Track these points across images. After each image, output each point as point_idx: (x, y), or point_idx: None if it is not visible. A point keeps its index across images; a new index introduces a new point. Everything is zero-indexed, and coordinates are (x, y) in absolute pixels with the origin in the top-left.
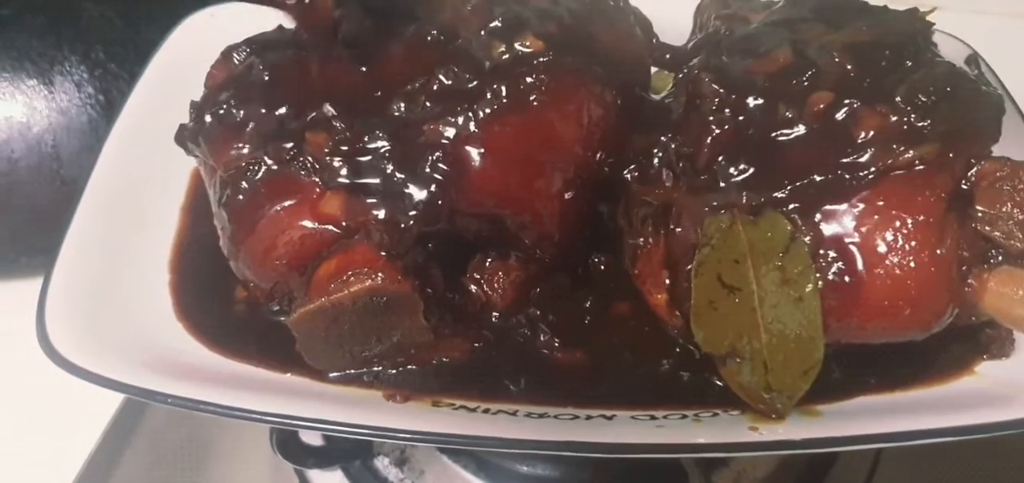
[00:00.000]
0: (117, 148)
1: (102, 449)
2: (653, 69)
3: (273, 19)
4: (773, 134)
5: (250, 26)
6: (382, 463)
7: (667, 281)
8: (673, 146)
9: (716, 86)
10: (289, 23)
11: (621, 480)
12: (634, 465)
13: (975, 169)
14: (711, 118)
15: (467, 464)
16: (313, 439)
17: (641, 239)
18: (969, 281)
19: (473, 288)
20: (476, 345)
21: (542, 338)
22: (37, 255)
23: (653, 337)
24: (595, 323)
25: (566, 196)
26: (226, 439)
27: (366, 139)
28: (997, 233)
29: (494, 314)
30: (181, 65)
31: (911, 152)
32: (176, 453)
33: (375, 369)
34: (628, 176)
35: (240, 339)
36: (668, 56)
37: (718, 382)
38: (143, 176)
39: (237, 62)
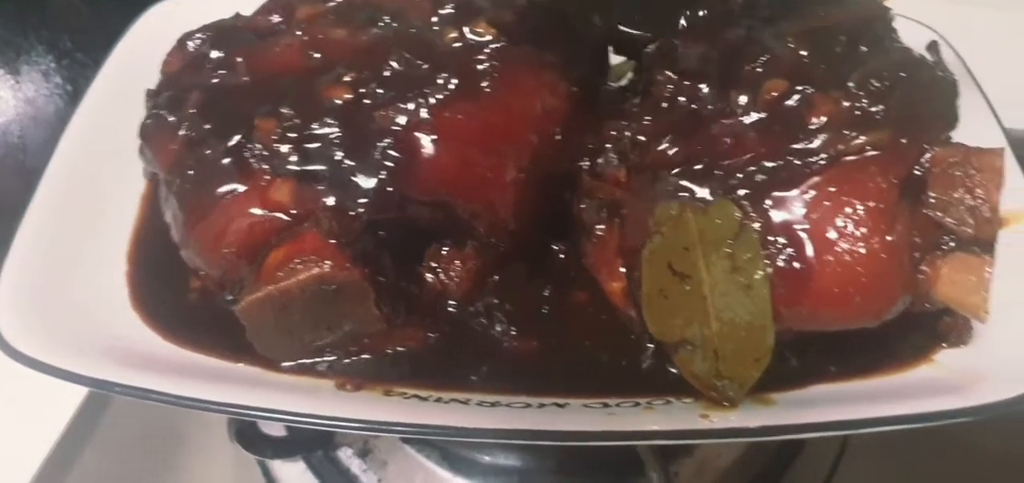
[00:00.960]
0: (78, 137)
1: (65, 442)
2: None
3: (236, 7)
4: (726, 120)
5: (214, 13)
6: (345, 454)
7: (622, 269)
8: (628, 134)
9: (669, 73)
10: (247, 10)
11: (583, 470)
12: (594, 455)
13: (929, 155)
14: (664, 105)
15: (430, 454)
16: (273, 429)
17: (595, 227)
18: (922, 268)
19: (428, 276)
20: (431, 334)
21: (498, 327)
22: (3, 246)
23: (609, 326)
24: (552, 312)
25: (521, 184)
26: (193, 431)
27: (316, 126)
28: (949, 220)
29: (450, 303)
30: (144, 53)
31: (863, 138)
32: (141, 445)
33: (328, 358)
34: (583, 166)
35: (194, 328)
36: (627, 42)
37: (672, 370)
38: (104, 165)
39: (192, 49)
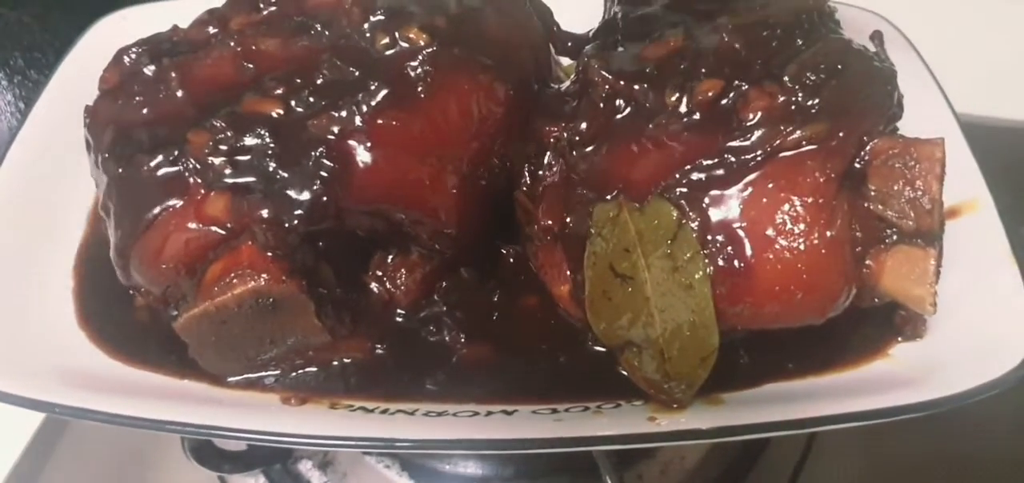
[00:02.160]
0: (23, 153)
1: (24, 462)
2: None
3: (182, 21)
4: (662, 120)
5: (162, 27)
6: (305, 466)
7: (568, 272)
8: (565, 136)
9: (605, 73)
10: (184, 23)
11: (541, 475)
12: (551, 460)
13: (868, 147)
14: (601, 106)
15: (391, 465)
16: (230, 445)
17: (539, 231)
18: (866, 262)
19: (374, 286)
20: (378, 344)
21: (448, 334)
22: None
23: (559, 330)
24: (502, 317)
25: (461, 189)
26: (153, 447)
27: (248, 138)
28: (890, 212)
29: (398, 311)
30: (92, 68)
31: (798, 132)
32: (103, 463)
33: (274, 372)
34: (524, 169)
35: (140, 345)
36: (569, 43)
37: (623, 372)
38: (51, 181)
39: (128, 64)
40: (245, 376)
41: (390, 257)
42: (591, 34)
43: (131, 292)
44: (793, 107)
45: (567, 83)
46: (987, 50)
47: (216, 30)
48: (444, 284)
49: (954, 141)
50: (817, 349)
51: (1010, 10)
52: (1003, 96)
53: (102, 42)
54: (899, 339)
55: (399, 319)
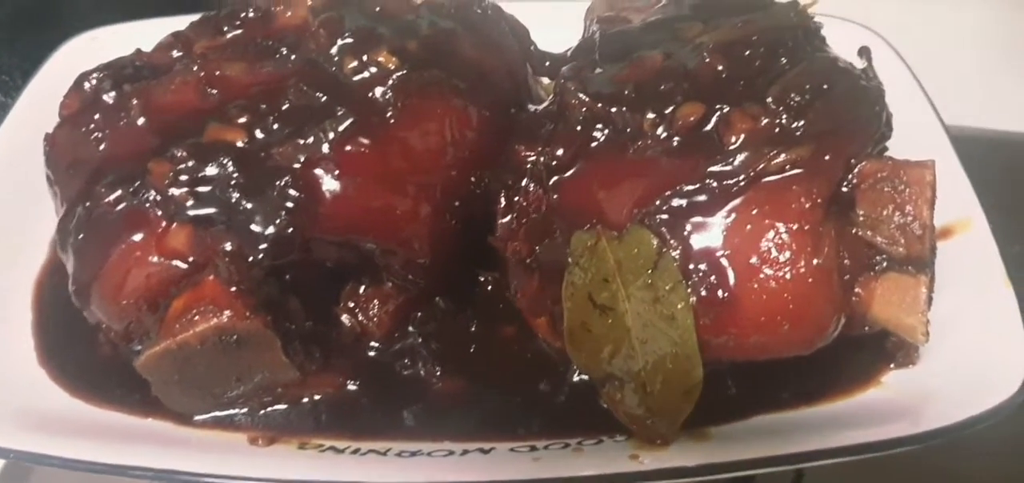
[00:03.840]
0: None
1: None
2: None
3: (151, 42)
4: (641, 144)
5: (130, 48)
6: None
7: (547, 302)
8: (542, 160)
9: (582, 96)
10: (148, 47)
11: None
12: None
13: (856, 169)
14: (579, 129)
15: None
16: None
17: (517, 260)
18: (856, 290)
19: (346, 318)
20: (350, 380)
21: (423, 368)
22: None
23: (539, 360)
24: (480, 348)
25: (434, 218)
26: None
27: (211, 168)
28: (879, 238)
29: (371, 344)
30: (60, 90)
31: (783, 156)
32: None
33: (241, 410)
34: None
35: (102, 383)
36: (547, 63)
37: (604, 406)
38: (15, 208)
39: (89, 90)
40: (212, 414)
41: (362, 288)
42: (569, 54)
43: (97, 328)
44: (777, 130)
45: (546, 103)
46: (978, 60)
47: (181, 53)
48: (419, 314)
49: (946, 159)
50: (807, 378)
51: (1000, 19)
52: (995, 106)
53: (71, 63)
54: (891, 366)
55: (372, 352)
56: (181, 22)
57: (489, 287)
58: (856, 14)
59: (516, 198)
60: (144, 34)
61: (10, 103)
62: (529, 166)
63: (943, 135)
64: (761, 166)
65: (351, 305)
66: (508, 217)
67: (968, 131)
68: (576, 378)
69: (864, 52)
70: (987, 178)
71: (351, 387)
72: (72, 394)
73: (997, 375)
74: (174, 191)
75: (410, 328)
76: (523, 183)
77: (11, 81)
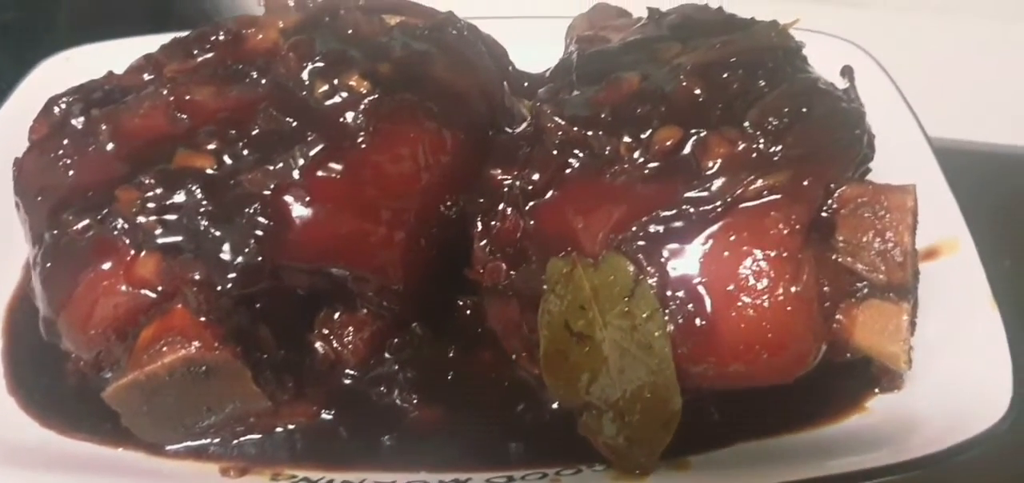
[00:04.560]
0: None
1: None
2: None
3: (125, 62)
4: (617, 168)
5: (105, 69)
6: None
7: (524, 329)
8: (518, 184)
9: (558, 119)
10: (119, 69)
11: None
12: None
13: (837, 193)
14: (555, 153)
15: None
16: None
17: (493, 286)
18: (837, 317)
19: (319, 345)
20: (324, 409)
21: (399, 396)
22: None
23: (516, 389)
24: (457, 375)
25: (408, 244)
26: None
27: (179, 195)
28: (860, 265)
29: (347, 372)
30: (34, 110)
31: (761, 181)
32: None
33: (214, 440)
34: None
35: (73, 413)
36: (526, 84)
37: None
38: None
39: (58, 114)
40: (184, 444)
41: (336, 315)
42: (548, 73)
43: (65, 356)
44: (755, 155)
45: (523, 126)
46: (964, 73)
47: (151, 76)
48: (395, 341)
49: (931, 178)
50: (791, 403)
51: (986, 31)
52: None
53: (46, 83)
54: (876, 391)
55: (347, 380)
56: (158, 41)
57: (467, 311)
58: (841, 27)
59: (492, 222)
60: (120, 54)
61: None
62: (505, 190)
63: (929, 153)
64: (739, 191)
65: (325, 332)
66: (484, 241)
67: (954, 144)
68: (555, 406)
69: (847, 72)
70: (974, 191)
71: (326, 416)
72: (42, 424)
73: (983, 400)
74: (142, 219)
75: (386, 355)
76: (500, 207)
77: None
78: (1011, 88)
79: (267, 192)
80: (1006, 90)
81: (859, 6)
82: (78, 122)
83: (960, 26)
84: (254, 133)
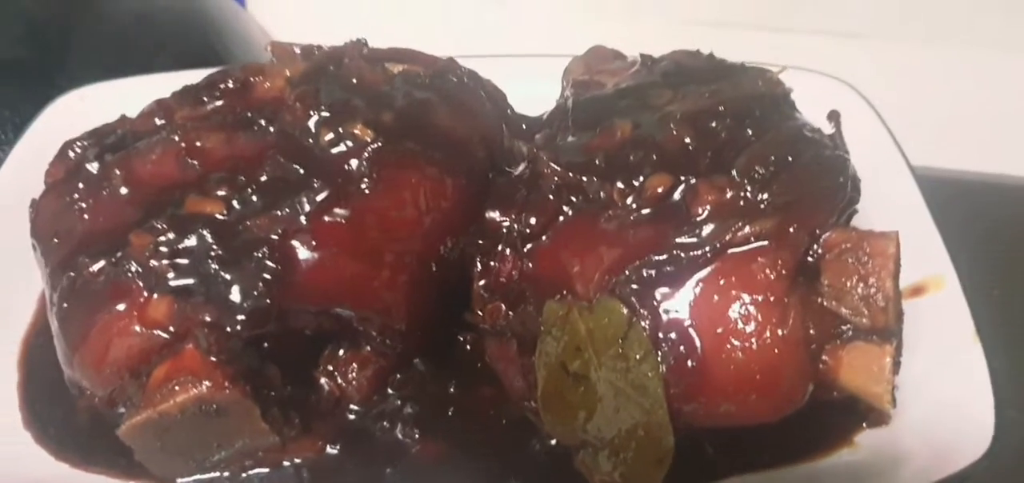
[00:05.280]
0: None
1: None
2: None
3: (138, 100)
4: (611, 214)
5: (119, 107)
6: None
7: (523, 367)
8: (516, 227)
9: (554, 165)
10: (134, 104)
11: None
12: None
13: (822, 239)
14: (551, 197)
15: None
16: None
17: (492, 326)
18: (823, 358)
19: (324, 382)
20: (330, 444)
21: (402, 430)
22: None
23: (515, 424)
24: (458, 410)
25: (410, 286)
26: None
27: (190, 239)
28: (844, 309)
29: (351, 408)
30: (48, 148)
31: (748, 228)
32: None
33: (224, 474)
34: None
35: (86, 446)
36: (524, 126)
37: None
38: (2, 268)
39: (73, 158)
40: (195, 478)
41: (341, 352)
42: (545, 117)
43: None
44: (742, 202)
45: (522, 166)
46: (955, 101)
47: (163, 121)
48: (398, 377)
49: (918, 217)
50: (784, 439)
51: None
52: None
53: (60, 121)
54: (864, 426)
55: (351, 416)
56: (166, 79)
57: (467, 348)
58: (833, 57)
59: (491, 263)
60: (131, 92)
61: (1, 158)
62: (504, 232)
63: (916, 191)
64: (727, 237)
65: (330, 370)
66: (483, 282)
67: (944, 173)
68: (553, 442)
69: (833, 117)
70: (964, 220)
71: (331, 450)
72: (57, 458)
73: (966, 437)
74: (155, 262)
75: (389, 391)
76: (498, 248)
77: (3, 135)
78: (1001, 116)
79: (275, 237)
80: (997, 118)
81: (851, 36)
82: (93, 167)
83: (950, 55)
84: (262, 180)
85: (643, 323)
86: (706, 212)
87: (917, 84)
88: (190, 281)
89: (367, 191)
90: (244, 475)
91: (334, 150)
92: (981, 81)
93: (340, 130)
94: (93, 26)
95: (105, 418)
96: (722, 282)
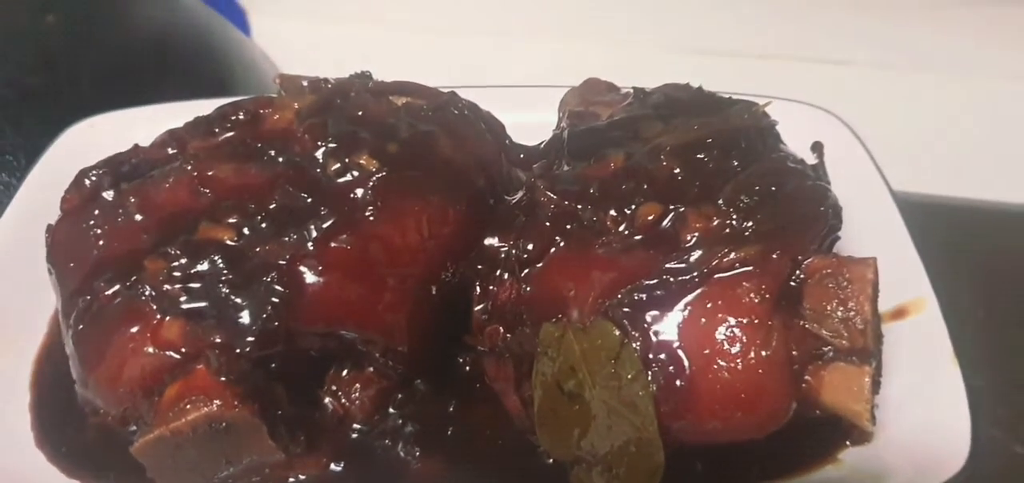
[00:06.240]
0: None
1: None
2: None
3: (148, 128)
4: (605, 240)
5: (129, 135)
6: None
7: (520, 387)
8: (514, 253)
9: (550, 193)
10: (146, 142)
11: None
12: None
13: (804, 264)
14: (548, 224)
15: None
16: None
17: (491, 346)
18: (805, 378)
19: (329, 401)
20: (333, 461)
21: (403, 448)
22: None
23: (513, 440)
24: (457, 429)
25: (412, 309)
26: None
27: (202, 265)
28: (825, 331)
29: (355, 426)
30: (61, 175)
31: (733, 254)
32: None
33: None
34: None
35: (98, 464)
36: (522, 156)
37: None
38: (16, 290)
39: (89, 186)
40: None
41: (345, 372)
42: (542, 147)
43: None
44: (727, 230)
45: (520, 194)
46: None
47: (175, 151)
48: (400, 397)
49: (900, 241)
50: (771, 455)
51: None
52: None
53: (73, 149)
54: (847, 443)
55: (354, 434)
56: (175, 108)
57: (467, 368)
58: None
59: (491, 287)
60: (142, 120)
61: (14, 184)
62: (502, 258)
63: (898, 217)
64: (714, 263)
65: (334, 389)
66: (482, 306)
67: (921, 198)
68: (550, 460)
69: (817, 148)
70: (948, 244)
71: (334, 468)
72: (69, 475)
73: (944, 454)
74: (168, 287)
75: (391, 410)
76: (497, 273)
77: (15, 161)
78: (988, 143)
79: (283, 262)
80: (983, 144)
81: (839, 64)
82: (108, 195)
83: (937, 83)
84: (271, 207)
85: (635, 344)
86: (694, 239)
87: (901, 110)
88: (202, 304)
89: (372, 218)
90: None
91: (340, 180)
92: (964, 108)
93: (346, 160)
94: (104, 56)
95: (117, 437)
96: (709, 305)
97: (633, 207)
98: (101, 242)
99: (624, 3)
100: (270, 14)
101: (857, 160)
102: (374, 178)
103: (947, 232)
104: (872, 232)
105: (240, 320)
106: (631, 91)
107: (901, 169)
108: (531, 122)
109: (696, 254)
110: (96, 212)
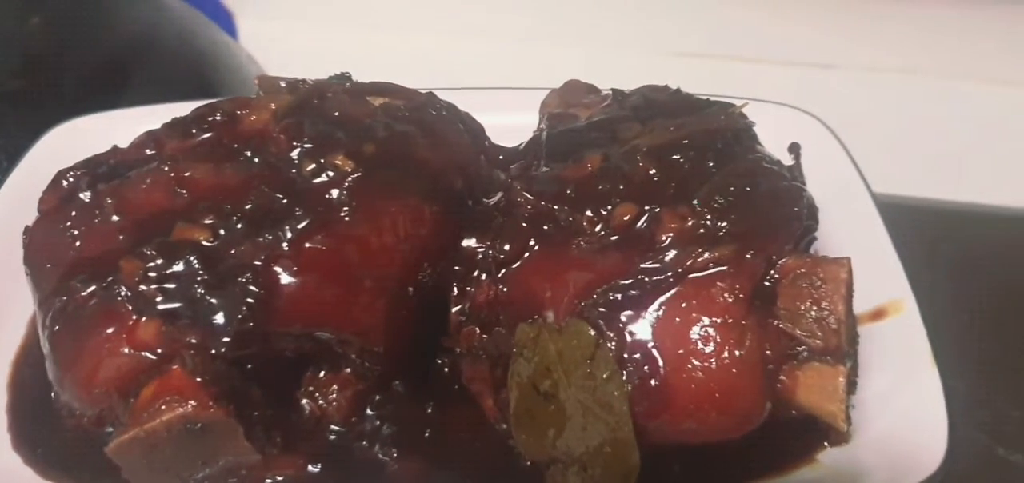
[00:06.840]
0: None
1: None
2: None
3: (130, 131)
4: (581, 241)
5: (112, 137)
6: None
7: (496, 388)
8: (491, 254)
9: (527, 194)
10: (127, 135)
11: None
12: None
13: (779, 264)
14: (524, 225)
15: None
16: None
17: (468, 347)
18: (780, 378)
19: (306, 403)
20: (310, 463)
21: (380, 449)
22: None
23: (491, 441)
24: (435, 430)
25: (388, 310)
26: None
27: (177, 265)
28: (799, 331)
29: (332, 428)
30: (42, 177)
31: (707, 254)
32: None
33: None
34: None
35: (74, 466)
36: (501, 157)
37: None
38: None
39: (66, 187)
40: None
41: (322, 373)
42: (520, 148)
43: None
44: (702, 230)
45: (498, 195)
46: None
47: (153, 152)
48: (377, 398)
49: (879, 242)
50: (749, 456)
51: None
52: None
53: (54, 151)
54: (826, 445)
55: (332, 435)
56: (157, 111)
57: (445, 370)
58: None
59: (468, 288)
60: (122, 123)
61: None
62: (479, 258)
63: (877, 218)
64: (689, 263)
65: (312, 390)
66: (459, 306)
67: (902, 200)
68: (528, 462)
69: (794, 149)
70: (922, 248)
71: (312, 469)
72: (45, 476)
73: (921, 454)
74: (143, 287)
75: (368, 411)
76: (474, 274)
77: None
78: (969, 145)
79: (258, 263)
80: (965, 147)
81: (824, 67)
82: (85, 195)
83: (922, 86)
84: (247, 208)
85: (610, 344)
86: (669, 239)
87: (883, 113)
88: (177, 305)
89: (348, 219)
90: None
91: (316, 180)
92: (946, 110)
93: (322, 161)
94: (87, 59)
95: (93, 438)
96: (684, 305)
97: (609, 208)
98: (78, 243)
99: (607, 6)
100: (256, 16)
101: (837, 161)
102: (350, 178)
103: (927, 233)
104: (851, 233)
105: (215, 321)
106: (610, 93)
107: (882, 171)
108: (512, 124)
109: (671, 254)
110: (73, 213)
